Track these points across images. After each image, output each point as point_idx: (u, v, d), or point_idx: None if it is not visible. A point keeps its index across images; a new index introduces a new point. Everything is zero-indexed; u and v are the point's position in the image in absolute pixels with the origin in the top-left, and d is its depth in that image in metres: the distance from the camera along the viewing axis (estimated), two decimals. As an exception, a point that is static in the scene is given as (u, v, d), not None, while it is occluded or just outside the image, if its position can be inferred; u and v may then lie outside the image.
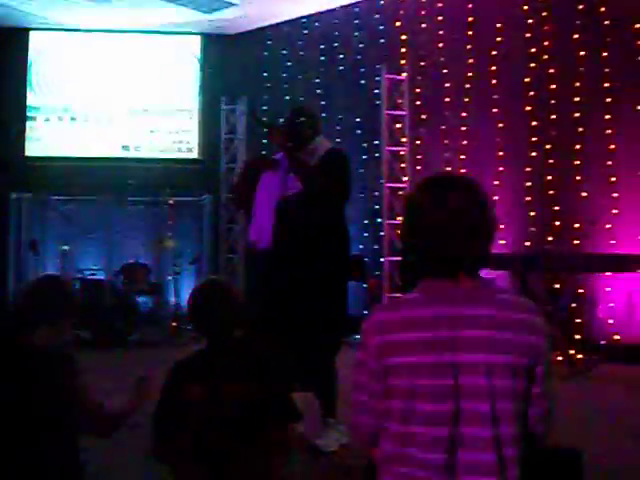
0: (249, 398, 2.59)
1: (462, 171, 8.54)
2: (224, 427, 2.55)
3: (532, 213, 8.13)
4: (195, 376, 2.66)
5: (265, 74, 10.88)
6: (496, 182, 8.04)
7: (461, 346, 1.80)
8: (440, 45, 9.14)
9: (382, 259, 9.08)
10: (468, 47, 8.84)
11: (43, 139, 11.01)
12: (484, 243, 1.89)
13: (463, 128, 8.83)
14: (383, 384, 1.87)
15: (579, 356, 7.06)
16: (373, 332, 1.91)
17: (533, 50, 8.24)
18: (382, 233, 9.14)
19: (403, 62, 9.45)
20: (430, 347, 1.82)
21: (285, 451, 2.72)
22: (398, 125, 9.33)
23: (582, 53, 7.90)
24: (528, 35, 8.31)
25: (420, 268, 1.92)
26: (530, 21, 8.31)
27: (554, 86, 8.08)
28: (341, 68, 10.10)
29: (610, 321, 7.57)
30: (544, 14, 8.21)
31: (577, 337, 7.34)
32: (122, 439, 4.67)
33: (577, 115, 7.90)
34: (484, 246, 1.89)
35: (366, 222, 9.50)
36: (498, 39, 8.56)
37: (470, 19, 8.86)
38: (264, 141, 10.49)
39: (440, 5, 9.18)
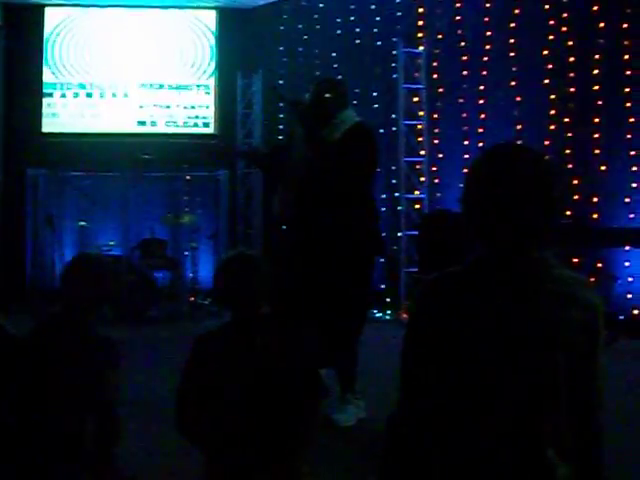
0: (275, 373, 2.55)
1: (480, 145, 8.50)
2: (250, 402, 2.52)
3: (550, 187, 8.05)
4: (219, 350, 2.61)
5: (281, 48, 10.81)
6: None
7: (516, 320, 1.79)
8: (457, 18, 9.04)
9: (399, 233, 9.05)
10: (485, 19, 8.74)
11: (59, 115, 11.02)
12: (543, 219, 1.85)
13: (481, 101, 8.76)
14: (439, 355, 1.85)
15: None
16: (430, 304, 1.89)
17: (552, 22, 8.13)
18: (400, 207, 9.12)
19: (420, 35, 9.38)
20: (488, 320, 1.81)
21: (314, 426, 2.71)
22: (415, 99, 9.27)
23: (601, 25, 7.79)
24: (547, 7, 8.20)
25: (476, 239, 1.89)
26: (549, -8, 8.21)
27: (573, 59, 7.99)
28: (357, 42, 10.02)
29: (629, 296, 7.54)
30: (563, -15, 8.10)
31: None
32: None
33: (596, 88, 7.82)
34: (543, 221, 1.85)
35: (384, 196, 9.46)
36: (516, 11, 8.45)
37: (488, -9, 8.77)
38: (281, 115, 10.49)
39: (457, -23, 9.08)
